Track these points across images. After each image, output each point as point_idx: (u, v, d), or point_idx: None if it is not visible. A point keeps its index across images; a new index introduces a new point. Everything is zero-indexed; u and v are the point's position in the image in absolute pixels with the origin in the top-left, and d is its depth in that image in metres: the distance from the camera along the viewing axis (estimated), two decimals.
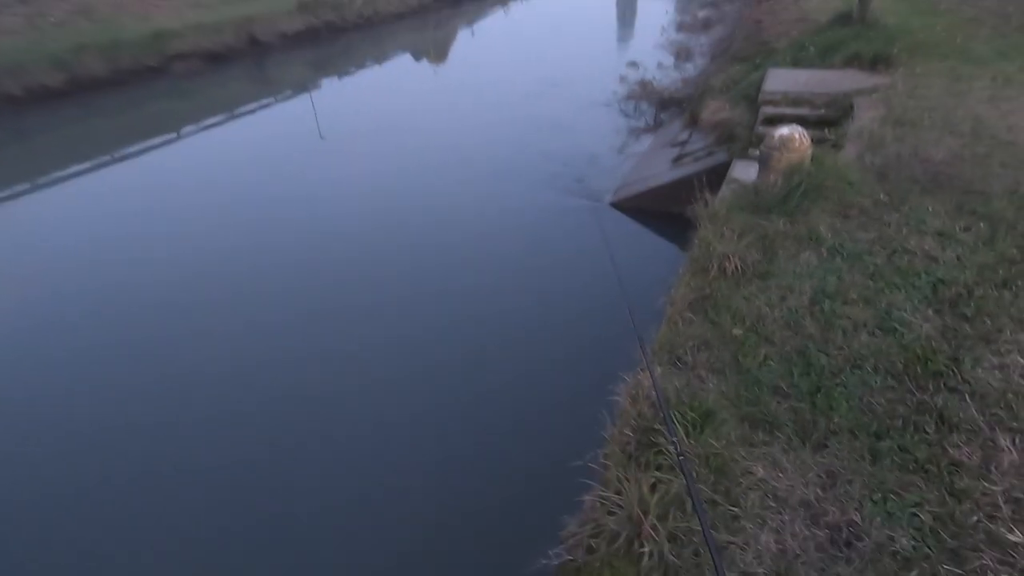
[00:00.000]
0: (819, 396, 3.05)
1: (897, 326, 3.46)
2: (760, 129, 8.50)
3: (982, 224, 4.42)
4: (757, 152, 8.29)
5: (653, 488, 2.64)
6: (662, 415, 2.76)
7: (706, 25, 23.04)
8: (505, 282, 7.98)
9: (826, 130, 8.09)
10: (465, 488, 4.67)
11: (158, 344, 6.66)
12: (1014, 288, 3.69)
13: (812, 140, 8.10)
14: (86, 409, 5.75)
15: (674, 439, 2.38)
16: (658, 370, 3.28)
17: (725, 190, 5.86)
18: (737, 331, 3.60)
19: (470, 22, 29.06)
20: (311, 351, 6.49)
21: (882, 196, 4.94)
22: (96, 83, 16.74)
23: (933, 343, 3.31)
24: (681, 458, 2.25)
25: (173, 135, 14.81)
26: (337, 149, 13.48)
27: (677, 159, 10.69)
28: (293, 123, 15.73)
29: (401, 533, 4.34)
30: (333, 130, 14.57)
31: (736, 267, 4.25)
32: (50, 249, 9.28)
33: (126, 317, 7.27)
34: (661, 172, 10.46)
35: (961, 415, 2.84)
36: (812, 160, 5.00)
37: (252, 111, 16.72)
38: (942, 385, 3.04)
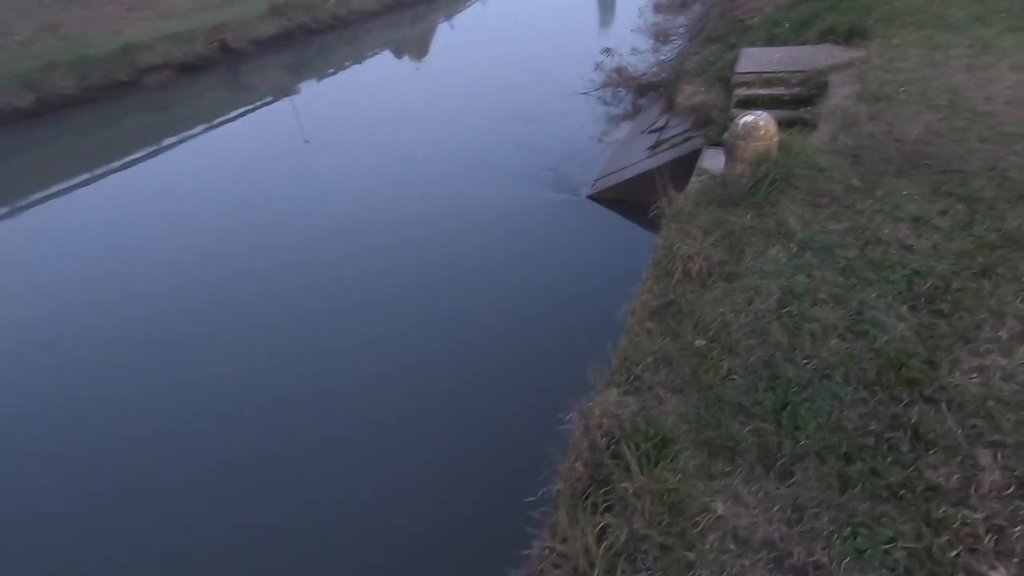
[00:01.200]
0: (785, 414, 2.78)
1: (869, 328, 3.18)
2: (734, 113, 8.18)
3: (960, 206, 4.14)
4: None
5: (603, 533, 2.38)
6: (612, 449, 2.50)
7: (683, 5, 22.57)
8: (479, 282, 7.73)
9: (801, 109, 7.78)
10: (413, 532, 4.45)
11: (148, 352, 6.74)
12: (993, 277, 3.41)
13: (788, 121, 7.88)
14: (78, 420, 5.84)
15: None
16: (613, 394, 3.01)
17: (694, 182, 5.56)
18: (699, 343, 3.32)
19: (448, 16, 28.53)
20: (292, 354, 6.56)
21: (855, 181, 4.65)
22: (67, 101, 16.33)
23: (908, 346, 3.04)
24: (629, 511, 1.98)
25: (153, 147, 14.49)
26: (317, 152, 13.18)
27: (654, 146, 10.37)
28: (273, 128, 15.43)
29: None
30: (313, 133, 14.26)
31: (701, 268, 3.96)
32: (38, 263, 9.26)
33: (115, 327, 7.29)
34: (638, 161, 10.15)
35: (938, 429, 2.57)
36: (780, 147, 4.69)
37: (231, 119, 16.34)
38: (917, 395, 2.77)
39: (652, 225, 8.97)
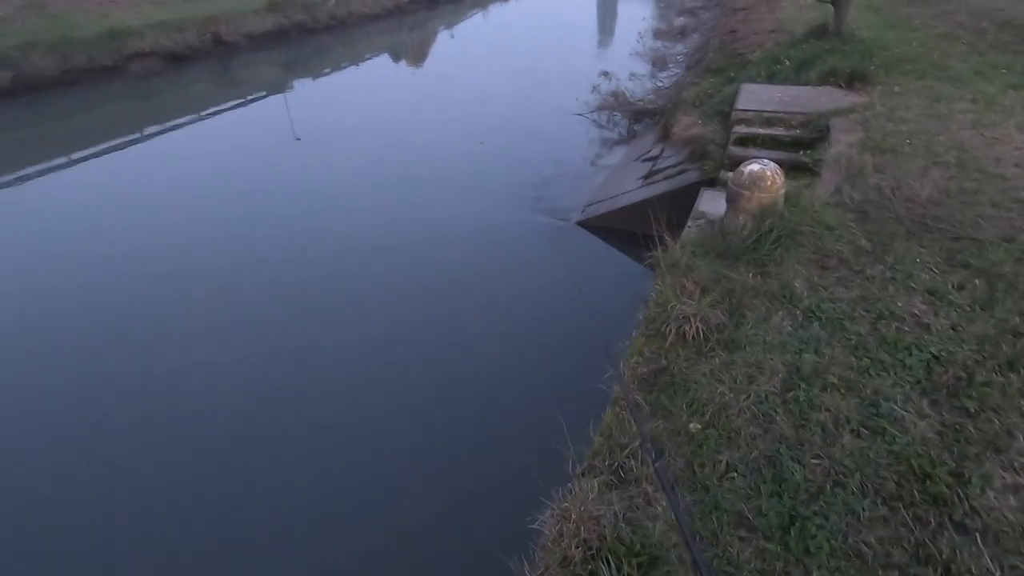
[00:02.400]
0: (793, 531, 2.35)
1: (887, 425, 2.78)
2: (732, 150, 7.85)
3: (978, 281, 3.77)
4: (728, 176, 7.72)
5: None
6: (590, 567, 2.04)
7: (683, 33, 22.44)
8: (454, 316, 7.18)
9: (801, 152, 7.47)
10: None
11: (120, 342, 6.52)
12: (1021, 371, 3.03)
13: (787, 164, 7.56)
14: (68, 408, 5.64)
15: None
16: (594, 487, 2.56)
17: (690, 227, 5.16)
18: (694, 426, 2.89)
19: (449, 24, 28.16)
20: (264, 350, 6.39)
21: (864, 242, 4.28)
22: (45, 82, 15.60)
23: (931, 451, 2.64)
24: None
25: (135, 136, 13.86)
26: (306, 151, 12.67)
27: (647, 176, 10.01)
28: (263, 124, 14.86)
29: None
30: (305, 131, 13.76)
31: (698, 332, 3.54)
32: (10, 249, 8.86)
33: (86, 316, 7.03)
34: (630, 190, 9.78)
35: (973, 568, 2.15)
36: (786, 200, 4.31)
37: (219, 112, 15.75)
38: (946, 518, 2.35)
39: (641, 257, 8.67)
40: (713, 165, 8.46)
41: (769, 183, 4.17)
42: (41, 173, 12.07)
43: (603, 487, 2.62)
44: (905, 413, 2.83)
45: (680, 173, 9.22)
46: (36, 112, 15.34)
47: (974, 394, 2.91)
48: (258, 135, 13.77)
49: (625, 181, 10.38)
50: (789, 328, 3.50)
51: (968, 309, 3.54)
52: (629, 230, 9.28)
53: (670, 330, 3.55)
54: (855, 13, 11.35)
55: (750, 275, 3.95)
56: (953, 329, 3.38)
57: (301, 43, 21.51)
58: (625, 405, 3.10)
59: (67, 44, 16.16)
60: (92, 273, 7.95)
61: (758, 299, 3.77)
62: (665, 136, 11.02)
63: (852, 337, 3.37)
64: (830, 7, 11.11)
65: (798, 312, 3.62)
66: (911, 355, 3.19)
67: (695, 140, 9.31)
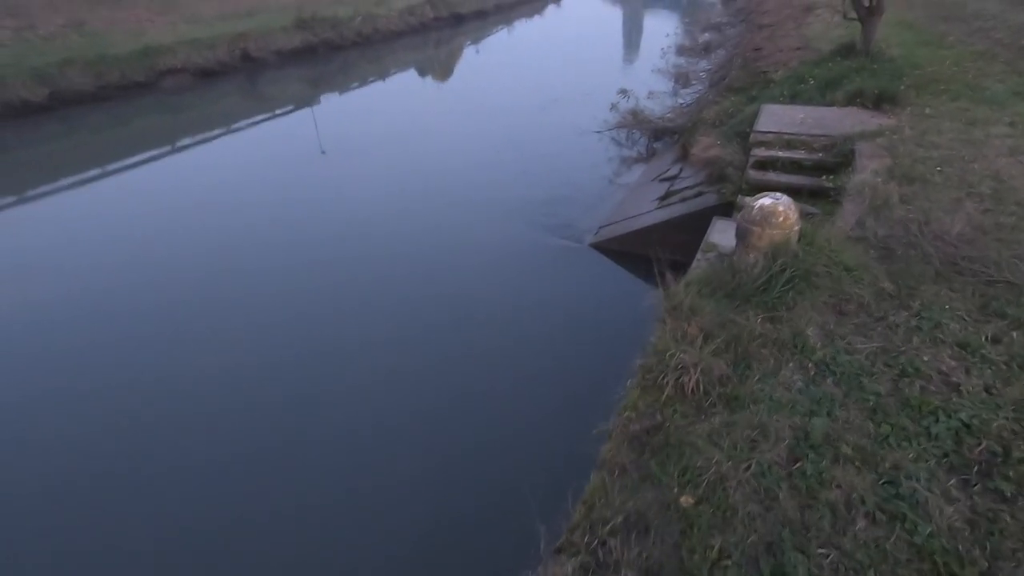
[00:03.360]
0: None
1: (907, 510, 2.40)
2: (751, 174, 7.47)
3: (1015, 334, 3.35)
4: (744, 201, 7.33)
5: None
6: None
7: (707, 49, 22.01)
8: (454, 345, 6.90)
9: (824, 177, 7.06)
10: None
11: (149, 348, 6.67)
12: None
13: (808, 190, 7.15)
14: (83, 414, 5.72)
15: None
16: (567, 571, 2.25)
17: (699, 260, 4.82)
18: (686, 500, 2.56)
19: (474, 41, 28.21)
20: (276, 362, 6.44)
21: (887, 284, 3.88)
22: (80, 98, 15.97)
23: (959, 545, 2.26)
24: None
25: (165, 149, 14.13)
26: (331, 168, 12.68)
27: (664, 197, 9.66)
28: (290, 137, 15.01)
29: None
30: (330, 145, 13.88)
31: (698, 385, 3.20)
32: (43, 257, 9.03)
33: (116, 321, 7.21)
34: (646, 212, 9.44)
35: None
36: (801, 237, 3.95)
37: (248, 125, 15.99)
38: None
39: (654, 281, 8.34)
40: (732, 188, 8.09)
41: (782, 219, 3.81)
42: (75, 185, 12.32)
43: (578, 571, 2.30)
44: (929, 495, 2.46)
45: (697, 196, 8.86)
46: (70, 126, 15.68)
47: (1011, 474, 2.52)
48: (285, 148, 13.90)
49: (641, 202, 10.04)
50: (799, 384, 3.14)
51: (1004, 367, 3.13)
52: (643, 254, 8.93)
53: (668, 381, 3.22)
54: (886, 30, 10.84)
55: (759, 320, 3.60)
56: (987, 392, 2.98)
57: (328, 60, 21.72)
58: (612, 470, 2.79)
59: (102, 61, 16.53)
60: (123, 279, 8.18)
61: (766, 348, 3.41)
62: (684, 156, 10.67)
63: (870, 398, 2.99)
64: (858, 24, 10.64)
65: (810, 365, 3.26)
66: (938, 422, 2.81)
67: (714, 162, 8.94)
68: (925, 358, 3.24)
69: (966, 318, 3.54)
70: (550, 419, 5.23)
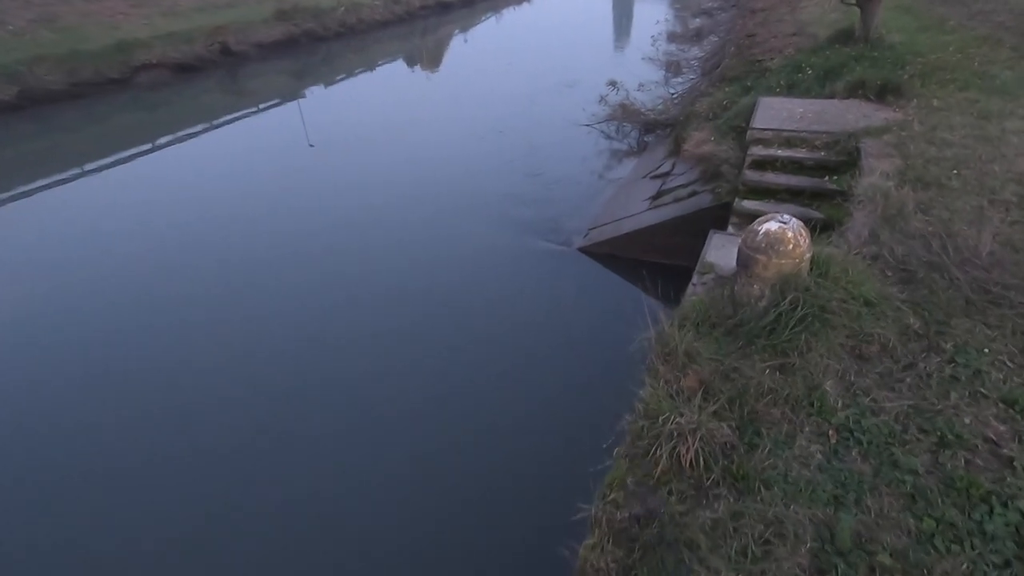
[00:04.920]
0: None
1: None
2: (748, 175, 6.85)
3: None
4: (741, 205, 6.71)
5: None
6: None
7: (698, 35, 21.20)
8: (447, 354, 6.40)
9: (827, 178, 6.46)
10: None
11: (130, 348, 6.50)
12: None
13: (811, 192, 6.54)
14: (75, 415, 5.58)
15: None
16: None
17: (695, 285, 4.22)
18: None
19: (462, 29, 27.23)
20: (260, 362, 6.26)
21: (912, 320, 3.30)
22: (51, 96, 15.13)
23: None
24: None
25: (145, 147, 13.48)
26: (315, 164, 12.06)
27: (656, 196, 9.03)
28: (273, 133, 14.33)
29: None
30: (316, 140, 13.26)
31: (698, 455, 2.63)
32: (23, 257, 8.80)
33: (101, 323, 6.99)
34: (636, 213, 8.82)
35: None
36: (812, 266, 3.35)
37: (230, 121, 15.26)
38: None
39: (646, 289, 7.77)
40: (727, 188, 7.47)
41: (791, 247, 3.21)
42: (52, 185, 11.69)
43: None
44: None
45: (691, 196, 8.23)
46: (43, 125, 14.88)
47: None
48: (270, 144, 13.31)
49: (631, 201, 9.41)
50: (819, 458, 2.57)
51: None
52: (634, 257, 8.35)
53: (662, 453, 2.65)
54: (884, 14, 10.15)
55: (767, 370, 3.02)
56: None
57: (311, 51, 20.81)
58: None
59: (75, 57, 15.67)
60: (107, 278, 7.93)
61: (777, 407, 2.84)
62: (677, 151, 10.02)
63: (906, 478, 2.42)
64: (856, 9, 9.95)
65: (830, 431, 2.68)
66: (992, 514, 2.24)
67: (708, 158, 8.31)
68: (967, 420, 2.67)
69: (1009, 364, 2.96)
70: (528, 480, 4.66)
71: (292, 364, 6.17)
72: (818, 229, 5.66)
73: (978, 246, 3.90)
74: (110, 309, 7.23)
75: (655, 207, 8.67)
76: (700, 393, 2.89)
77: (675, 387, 2.96)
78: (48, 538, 4.42)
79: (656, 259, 8.13)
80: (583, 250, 8.63)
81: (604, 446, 3.01)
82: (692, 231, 7.42)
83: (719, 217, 6.89)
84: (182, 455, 5.07)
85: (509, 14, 32.00)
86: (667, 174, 9.62)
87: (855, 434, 2.64)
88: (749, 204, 6.51)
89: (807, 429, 2.71)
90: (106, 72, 16.07)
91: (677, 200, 8.44)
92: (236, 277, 7.94)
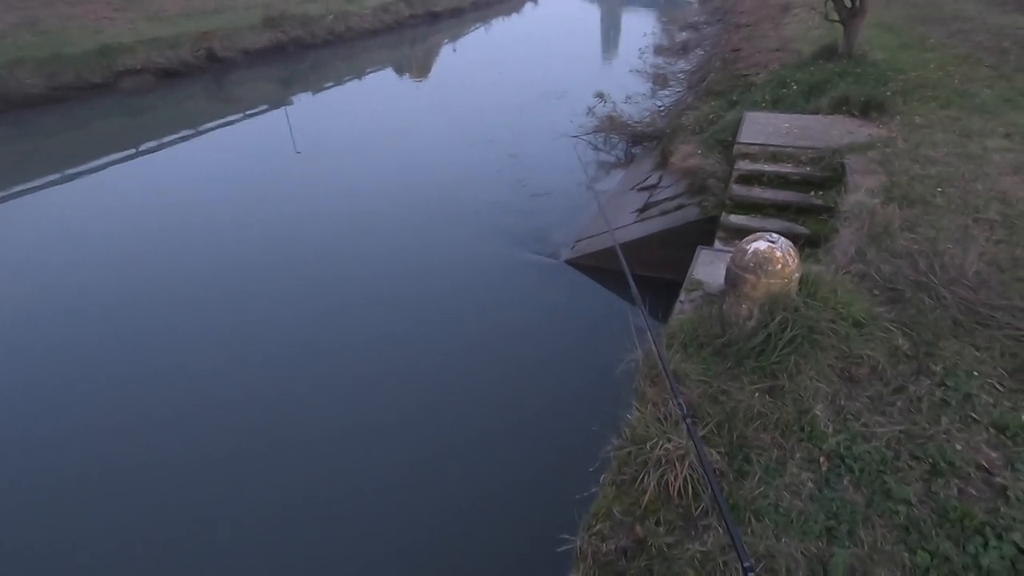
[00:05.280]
0: None
1: None
2: (734, 189, 6.84)
3: None
4: (728, 220, 6.69)
5: None
6: None
7: (685, 48, 21.39)
8: (432, 372, 6.27)
9: (812, 193, 6.46)
10: None
11: (119, 354, 6.43)
12: None
13: (796, 207, 6.53)
14: (63, 421, 5.52)
15: None
16: None
17: (683, 303, 4.15)
18: None
19: (451, 39, 27.24)
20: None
21: (901, 341, 3.25)
22: (31, 100, 14.84)
23: None
24: None
25: (128, 152, 13.26)
26: (301, 174, 11.90)
27: (643, 209, 9.00)
28: (259, 140, 14.17)
29: None
30: (302, 147, 13.18)
31: (686, 483, 2.54)
32: (9, 260, 8.65)
33: (90, 327, 6.91)
34: (623, 225, 8.77)
35: None
36: (801, 285, 3.30)
37: (217, 127, 15.06)
38: None
39: (633, 301, 7.71)
40: (714, 202, 7.46)
41: (779, 267, 3.15)
42: (32, 189, 11.45)
43: None
44: None
45: (678, 209, 8.22)
46: (22, 130, 14.57)
47: None
48: (256, 150, 13.18)
49: (620, 213, 9.38)
50: (811, 486, 2.49)
51: None
52: (620, 270, 8.29)
53: (649, 481, 2.56)
54: (866, 32, 10.28)
55: (756, 393, 2.94)
56: None
57: (298, 58, 20.67)
58: None
59: (56, 61, 15.39)
60: (93, 282, 7.84)
61: (767, 432, 2.76)
62: (664, 163, 10.02)
63: (899, 508, 2.35)
64: (839, 26, 10.06)
65: (822, 458, 2.61)
66: (987, 547, 2.17)
67: (694, 172, 8.31)
68: (958, 446, 2.61)
69: (999, 387, 2.92)
70: (512, 503, 4.55)
71: (284, 369, 6.16)
72: (804, 245, 5.65)
73: (964, 265, 3.87)
74: (99, 314, 7.16)
75: (642, 220, 8.64)
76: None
77: (663, 410, 2.88)
78: (43, 541, 4.41)
79: (643, 272, 8.05)
80: (571, 262, 8.56)
81: (591, 470, 2.92)
82: (679, 244, 7.39)
83: (706, 231, 6.87)
84: (176, 459, 5.05)
85: (498, 25, 32.12)
86: (654, 187, 9.62)
87: (846, 461, 2.57)
88: (736, 219, 6.50)
89: (798, 455, 2.63)
90: (88, 76, 15.79)
91: (664, 213, 8.41)
92: (224, 282, 7.86)
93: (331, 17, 21.27)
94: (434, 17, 28.37)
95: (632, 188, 10.32)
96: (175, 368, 6.18)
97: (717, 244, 6.27)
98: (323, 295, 7.53)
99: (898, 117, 7.34)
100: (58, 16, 17.35)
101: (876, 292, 3.81)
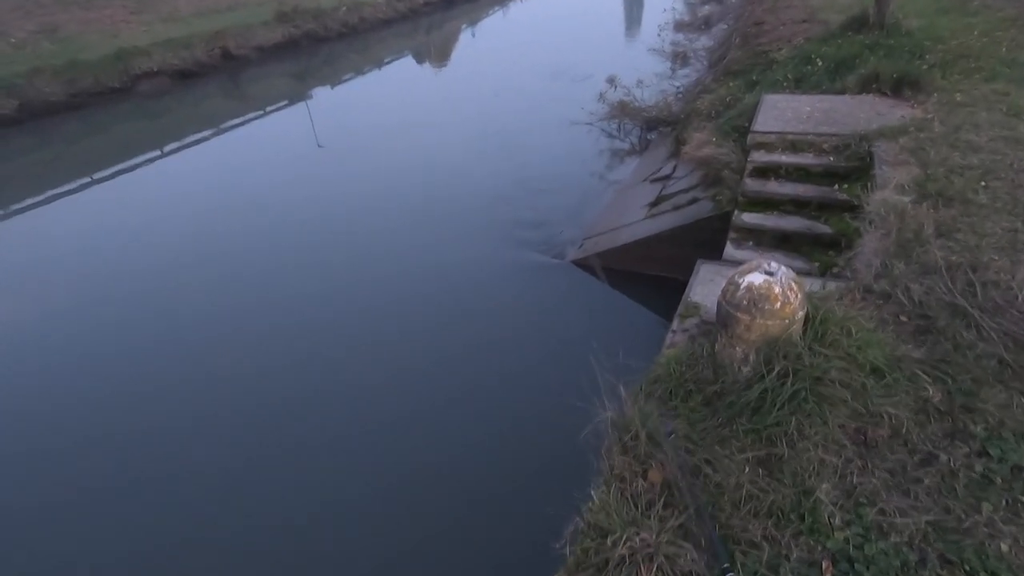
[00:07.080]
0: None
1: None
2: (748, 183, 6.14)
3: None
4: (740, 219, 5.99)
5: None
6: None
7: (707, 23, 20.12)
8: (432, 382, 5.94)
9: (836, 186, 5.71)
10: None
11: (143, 360, 6.42)
12: None
13: (817, 203, 5.79)
14: (78, 424, 5.57)
15: None
16: None
17: (675, 333, 3.57)
18: None
19: (469, 23, 26.40)
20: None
21: (931, 391, 2.63)
22: (51, 108, 14.85)
23: None
24: None
25: (156, 153, 13.26)
26: (314, 172, 11.67)
27: (655, 203, 8.34)
28: (280, 136, 14.00)
29: None
30: (317, 146, 12.92)
31: None
32: (34, 269, 8.69)
33: (112, 333, 6.92)
34: (633, 222, 8.13)
35: None
36: (807, 324, 2.70)
37: (238, 125, 14.93)
38: None
39: (645, 301, 7.16)
40: (728, 196, 6.76)
41: (778, 304, 2.56)
42: (55, 197, 11.49)
43: None
44: None
45: (691, 203, 7.54)
46: (43, 138, 14.64)
47: None
48: (278, 145, 13.08)
49: (629, 208, 8.72)
50: None
51: None
52: (630, 270, 7.68)
53: None
54: None
55: (747, 467, 2.39)
56: None
57: (312, 52, 20.25)
58: None
59: (73, 67, 15.36)
60: (111, 287, 7.88)
61: (758, 520, 2.21)
62: (678, 151, 9.28)
63: None
64: None
65: (825, 562, 2.05)
66: None
67: (708, 162, 7.58)
68: (1004, 546, 2.02)
69: None
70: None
71: (293, 373, 6.09)
72: (827, 246, 4.97)
73: (1013, 285, 3.19)
74: (117, 319, 7.17)
75: (653, 215, 7.99)
76: (662, 499, 2.28)
77: (634, 487, 2.36)
78: (50, 547, 4.42)
79: (655, 271, 7.48)
80: (577, 262, 7.99)
81: (557, 545, 2.43)
82: (693, 242, 6.78)
83: (720, 228, 6.22)
84: (183, 463, 5.03)
85: (515, 7, 31.03)
86: (667, 177, 8.93)
87: (856, 566, 2.01)
88: (749, 217, 5.81)
89: (795, 556, 2.08)
90: (106, 81, 15.73)
91: (676, 208, 7.75)
92: (241, 284, 7.78)
93: (344, 9, 20.74)
94: (449, 3, 27.52)
95: (645, 179, 9.62)
96: (192, 372, 6.18)
97: (728, 247, 5.63)
98: (336, 298, 7.39)
99: (935, 95, 6.47)
100: (76, 21, 17.34)
101: (903, 319, 3.17)
